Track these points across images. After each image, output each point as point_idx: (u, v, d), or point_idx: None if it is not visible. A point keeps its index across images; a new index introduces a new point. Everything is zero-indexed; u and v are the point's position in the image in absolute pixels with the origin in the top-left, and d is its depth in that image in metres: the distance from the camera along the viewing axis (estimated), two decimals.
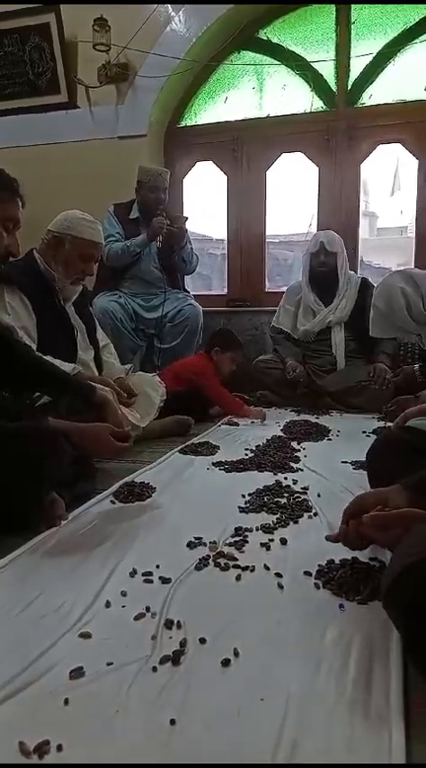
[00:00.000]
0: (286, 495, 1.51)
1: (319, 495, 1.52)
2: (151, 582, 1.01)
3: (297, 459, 1.94)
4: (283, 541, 1.20)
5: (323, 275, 3.20)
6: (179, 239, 3.21)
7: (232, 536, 1.23)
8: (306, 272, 3.28)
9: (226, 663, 0.76)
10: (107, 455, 1.50)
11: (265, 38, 3.73)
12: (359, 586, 0.96)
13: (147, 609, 0.91)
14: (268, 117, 3.79)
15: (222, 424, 2.67)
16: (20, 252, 1.56)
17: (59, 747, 0.61)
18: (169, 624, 0.86)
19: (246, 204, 3.87)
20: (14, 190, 1.45)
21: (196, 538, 1.20)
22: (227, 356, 2.88)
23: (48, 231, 2.09)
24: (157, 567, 1.06)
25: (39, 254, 2.07)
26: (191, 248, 3.35)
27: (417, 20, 3.40)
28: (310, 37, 3.65)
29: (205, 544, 1.18)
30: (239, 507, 1.43)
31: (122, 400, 2.11)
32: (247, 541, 1.19)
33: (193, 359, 3.01)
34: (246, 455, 2.00)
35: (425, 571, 0.70)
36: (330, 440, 2.33)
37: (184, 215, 3.22)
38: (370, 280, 3.25)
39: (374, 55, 3.51)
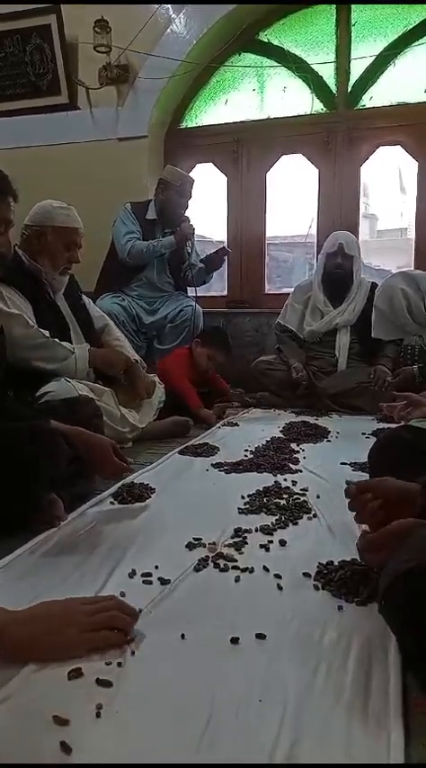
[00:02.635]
0: (285, 496, 1.51)
1: (318, 497, 1.51)
2: (150, 583, 1.01)
3: (297, 461, 1.94)
4: (282, 543, 1.19)
5: (337, 277, 3.17)
6: (216, 266, 3.29)
7: (231, 537, 1.22)
8: (319, 272, 3.26)
9: (224, 664, 0.76)
10: (106, 471, 1.49)
11: (266, 40, 3.73)
12: (358, 588, 0.96)
13: (145, 609, 0.90)
14: (268, 119, 3.79)
15: (221, 425, 2.67)
16: (11, 252, 1.51)
17: (63, 744, 0.61)
18: (167, 625, 0.86)
19: (246, 206, 3.87)
20: (4, 189, 1.39)
21: (195, 539, 1.20)
22: (204, 351, 2.85)
23: (27, 226, 2.07)
24: (156, 567, 1.06)
25: (21, 250, 2.05)
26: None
27: (417, 22, 3.41)
28: (310, 39, 3.66)
29: (204, 545, 1.18)
30: (238, 508, 1.42)
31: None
32: (246, 542, 1.19)
33: (175, 352, 2.98)
34: (246, 456, 2.00)
35: (419, 578, 0.70)
36: (329, 441, 2.33)
37: (228, 248, 3.30)
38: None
39: (374, 57, 3.52)
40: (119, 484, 1.58)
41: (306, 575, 1.03)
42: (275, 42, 3.71)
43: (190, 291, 3.40)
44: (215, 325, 3.21)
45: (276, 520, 1.32)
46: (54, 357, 1.94)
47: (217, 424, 2.66)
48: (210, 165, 3.94)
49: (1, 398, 1.45)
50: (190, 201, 3.31)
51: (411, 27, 3.44)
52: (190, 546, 1.17)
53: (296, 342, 3.29)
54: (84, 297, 2.33)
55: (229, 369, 3.58)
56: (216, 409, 2.85)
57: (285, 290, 3.57)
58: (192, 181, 3.31)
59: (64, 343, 1.99)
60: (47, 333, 1.93)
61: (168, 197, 3.22)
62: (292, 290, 3.43)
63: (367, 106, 3.62)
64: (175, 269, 3.28)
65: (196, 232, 3.31)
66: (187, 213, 3.28)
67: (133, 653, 0.78)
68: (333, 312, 3.20)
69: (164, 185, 3.24)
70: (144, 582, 1.01)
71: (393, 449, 1.33)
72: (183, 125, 3.96)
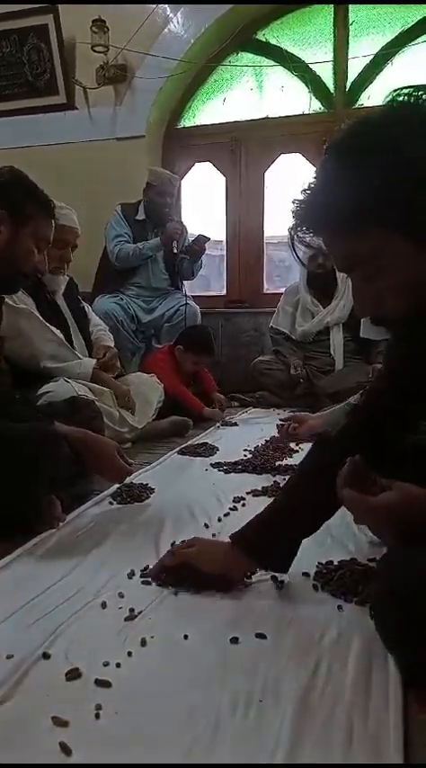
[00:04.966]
0: None
1: None
2: (149, 583, 1.01)
3: (296, 460, 1.94)
4: None
5: (320, 277, 3.20)
6: (198, 256, 3.27)
7: None
8: (304, 274, 3.29)
9: (224, 664, 0.76)
10: (110, 473, 1.48)
11: (263, 39, 3.73)
12: (357, 587, 0.96)
13: (144, 610, 0.90)
14: (266, 118, 3.79)
15: (221, 425, 2.67)
16: (46, 270, 1.57)
17: (62, 745, 0.61)
18: (166, 625, 0.86)
19: (245, 205, 3.87)
20: (51, 211, 1.44)
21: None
22: (189, 357, 2.80)
23: None
24: None
25: None
26: (202, 262, 3.38)
27: (415, 21, 3.41)
28: (308, 38, 3.66)
29: None
30: (238, 508, 1.42)
31: (122, 403, 2.13)
32: None
33: (156, 355, 2.94)
34: (245, 456, 2.00)
35: (406, 592, 0.70)
36: None
37: (206, 235, 3.25)
38: None
39: (372, 56, 3.52)
40: (118, 484, 1.58)
41: (306, 574, 1.03)
42: (273, 42, 3.71)
43: (185, 289, 3.41)
44: (195, 326, 3.13)
45: None
46: (64, 357, 1.97)
47: (216, 424, 2.66)
48: (209, 164, 3.94)
49: (8, 400, 1.45)
50: (173, 200, 3.30)
51: (408, 26, 3.44)
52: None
53: (290, 343, 3.29)
54: (83, 302, 2.34)
55: (228, 369, 3.60)
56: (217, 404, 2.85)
57: (284, 290, 3.56)
58: (173, 179, 3.31)
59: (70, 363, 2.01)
60: (58, 334, 1.97)
61: (151, 198, 3.24)
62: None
63: (365, 105, 3.61)
64: (170, 265, 3.29)
65: (189, 231, 3.31)
66: (177, 213, 3.28)
67: (130, 653, 0.78)
68: (323, 311, 3.21)
69: (147, 186, 3.26)
70: (142, 582, 1.01)
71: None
72: (181, 124, 3.96)
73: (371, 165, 0.68)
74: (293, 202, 0.79)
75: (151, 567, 1.05)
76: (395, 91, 0.72)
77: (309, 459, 1.02)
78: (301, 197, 0.78)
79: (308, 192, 0.77)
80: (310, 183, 0.77)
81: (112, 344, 2.36)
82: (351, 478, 0.81)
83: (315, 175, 0.77)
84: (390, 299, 0.75)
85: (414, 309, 0.74)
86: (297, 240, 0.82)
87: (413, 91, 0.71)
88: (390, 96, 0.73)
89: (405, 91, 0.71)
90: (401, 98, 0.72)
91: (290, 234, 0.81)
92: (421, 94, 0.70)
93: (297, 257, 0.86)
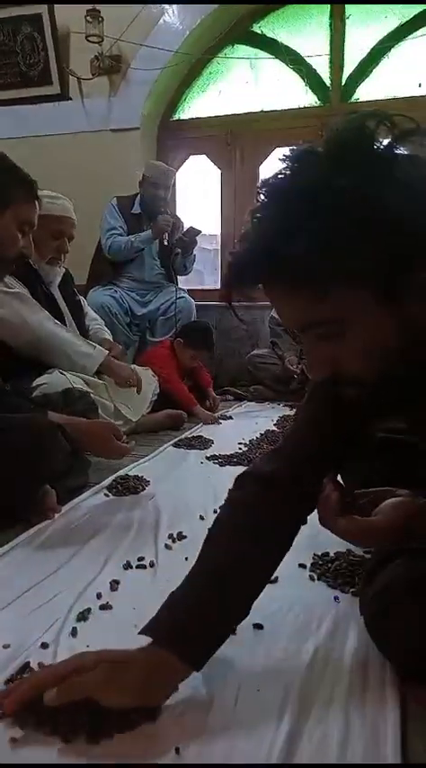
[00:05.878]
0: None
1: None
2: (145, 574, 1.01)
3: None
4: None
5: None
6: (189, 249, 3.25)
7: None
8: None
9: (221, 654, 0.76)
10: (107, 455, 1.50)
11: (259, 31, 3.71)
12: (353, 578, 0.96)
13: (140, 601, 0.90)
14: (262, 111, 3.77)
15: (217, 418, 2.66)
16: (32, 254, 1.54)
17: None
18: None
19: (240, 198, 3.86)
20: (34, 192, 1.40)
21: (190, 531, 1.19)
22: (188, 351, 2.80)
23: None
24: (151, 561, 1.06)
25: None
26: (194, 256, 3.36)
27: (412, 15, 3.40)
28: (304, 31, 3.64)
29: None
30: None
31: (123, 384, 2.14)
32: None
33: (156, 349, 2.94)
34: (240, 449, 2.00)
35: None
36: None
37: (198, 227, 3.23)
38: None
39: (368, 50, 3.51)
40: (113, 476, 1.58)
41: (302, 566, 1.03)
42: (269, 34, 3.69)
43: (180, 282, 3.39)
44: (196, 322, 3.13)
45: None
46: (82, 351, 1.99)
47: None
48: (203, 157, 3.92)
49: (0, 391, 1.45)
50: (167, 192, 3.28)
51: (405, 21, 3.43)
52: (184, 537, 1.17)
53: (289, 336, 3.29)
54: (79, 295, 2.33)
55: (223, 363, 3.59)
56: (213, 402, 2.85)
57: None
58: (168, 172, 3.29)
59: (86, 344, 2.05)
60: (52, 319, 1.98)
61: (145, 190, 3.23)
62: None
63: (361, 99, 3.60)
64: (165, 258, 3.28)
65: (183, 224, 3.29)
66: (172, 206, 3.25)
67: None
68: None
69: (143, 179, 3.25)
70: (138, 573, 1.01)
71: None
72: (176, 117, 3.94)
73: (327, 212, 0.57)
74: (230, 254, 0.65)
75: (153, 558, 1.04)
76: (348, 116, 0.64)
77: (244, 507, 0.82)
78: (240, 248, 0.64)
79: (250, 241, 0.63)
80: (250, 232, 0.64)
81: (111, 339, 2.36)
82: (340, 506, 0.71)
83: (254, 221, 0.63)
84: (358, 361, 0.63)
85: (386, 370, 0.64)
86: (235, 297, 0.67)
87: (361, 118, 0.61)
88: (338, 125, 0.63)
89: (353, 119, 0.62)
90: (349, 128, 0.62)
91: (228, 291, 0.67)
92: (370, 124, 0.60)
93: (238, 316, 0.77)
